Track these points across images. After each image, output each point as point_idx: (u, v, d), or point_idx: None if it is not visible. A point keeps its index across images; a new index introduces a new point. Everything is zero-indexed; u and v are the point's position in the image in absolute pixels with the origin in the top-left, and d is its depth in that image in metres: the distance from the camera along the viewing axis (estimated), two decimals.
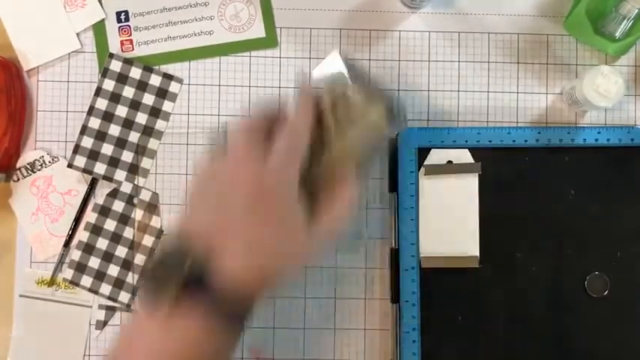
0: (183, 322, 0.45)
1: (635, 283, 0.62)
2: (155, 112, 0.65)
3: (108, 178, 0.64)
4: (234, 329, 0.47)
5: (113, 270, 0.64)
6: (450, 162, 0.64)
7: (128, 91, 0.64)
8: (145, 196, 0.64)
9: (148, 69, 0.65)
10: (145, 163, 0.64)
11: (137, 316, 0.50)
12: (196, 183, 0.52)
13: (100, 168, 0.64)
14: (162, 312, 0.44)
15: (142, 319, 0.47)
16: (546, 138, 0.64)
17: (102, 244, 0.64)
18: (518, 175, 0.64)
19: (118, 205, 0.64)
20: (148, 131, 0.64)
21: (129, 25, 0.65)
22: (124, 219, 0.64)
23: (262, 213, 0.47)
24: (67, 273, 0.64)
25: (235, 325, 0.46)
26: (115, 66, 0.64)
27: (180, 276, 0.44)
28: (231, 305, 0.45)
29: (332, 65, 0.63)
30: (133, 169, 0.64)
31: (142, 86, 0.64)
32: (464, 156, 0.64)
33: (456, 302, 0.63)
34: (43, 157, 0.64)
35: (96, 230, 0.64)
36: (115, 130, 0.64)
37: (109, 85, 0.64)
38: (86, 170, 0.64)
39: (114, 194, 0.64)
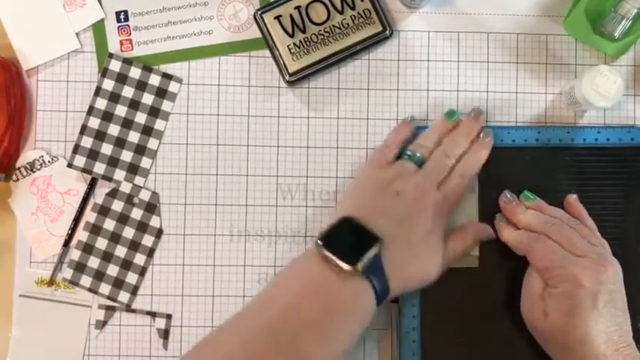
0: (354, 285, 0.53)
1: (636, 283, 0.62)
2: (154, 112, 0.65)
3: (107, 177, 0.64)
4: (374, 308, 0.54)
5: (112, 270, 0.64)
6: None
7: (127, 91, 0.64)
8: (145, 195, 0.64)
9: (147, 69, 0.65)
10: (145, 162, 0.64)
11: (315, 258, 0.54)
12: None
13: (99, 168, 0.64)
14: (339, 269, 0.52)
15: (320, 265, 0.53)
16: (546, 138, 0.64)
17: (101, 243, 0.64)
18: (519, 175, 0.64)
19: (118, 205, 0.64)
20: (147, 131, 0.64)
21: (128, 25, 0.65)
22: (123, 219, 0.64)
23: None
24: (67, 273, 0.64)
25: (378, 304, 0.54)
26: (115, 66, 0.64)
27: (368, 255, 0.53)
28: (386, 293, 0.54)
29: None
30: (133, 169, 0.64)
31: (141, 86, 0.64)
32: None
33: (456, 302, 0.63)
34: (42, 156, 0.64)
35: (95, 230, 0.64)
36: (114, 129, 0.64)
37: (109, 84, 0.64)
38: (86, 170, 0.64)
39: (113, 194, 0.64)
